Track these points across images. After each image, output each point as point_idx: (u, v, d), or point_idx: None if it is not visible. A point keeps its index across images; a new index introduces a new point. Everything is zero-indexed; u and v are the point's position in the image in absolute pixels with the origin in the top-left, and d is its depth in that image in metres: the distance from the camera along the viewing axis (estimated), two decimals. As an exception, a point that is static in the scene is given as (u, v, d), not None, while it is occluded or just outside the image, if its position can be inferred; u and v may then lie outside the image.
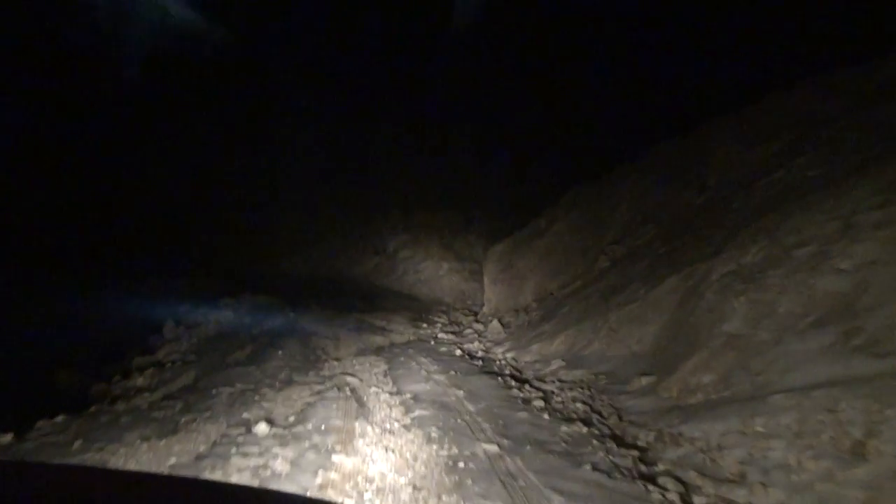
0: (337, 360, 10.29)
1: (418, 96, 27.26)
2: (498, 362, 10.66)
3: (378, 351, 11.22)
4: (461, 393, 7.99)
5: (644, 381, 8.27)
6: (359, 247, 25.07)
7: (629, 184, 15.96)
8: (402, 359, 10.34)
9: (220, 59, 27.78)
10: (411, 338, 13.04)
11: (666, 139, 16.52)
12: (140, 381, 8.68)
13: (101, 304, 15.48)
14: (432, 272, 22.03)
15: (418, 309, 18.13)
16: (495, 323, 14.02)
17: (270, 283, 20.61)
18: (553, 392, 8.43)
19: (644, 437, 6.56)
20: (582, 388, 8.60)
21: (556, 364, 10.07)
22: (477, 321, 16.04)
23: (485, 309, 17.32)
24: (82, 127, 25.41)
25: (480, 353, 11.63)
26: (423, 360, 10.24)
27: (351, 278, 23.25)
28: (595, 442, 6.31)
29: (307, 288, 20.65)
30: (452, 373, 9.22)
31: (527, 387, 8.66)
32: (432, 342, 12.34)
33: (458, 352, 11.43)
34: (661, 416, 7.04)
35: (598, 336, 10.18)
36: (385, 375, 9.12)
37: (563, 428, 6.71)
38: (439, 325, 15.44)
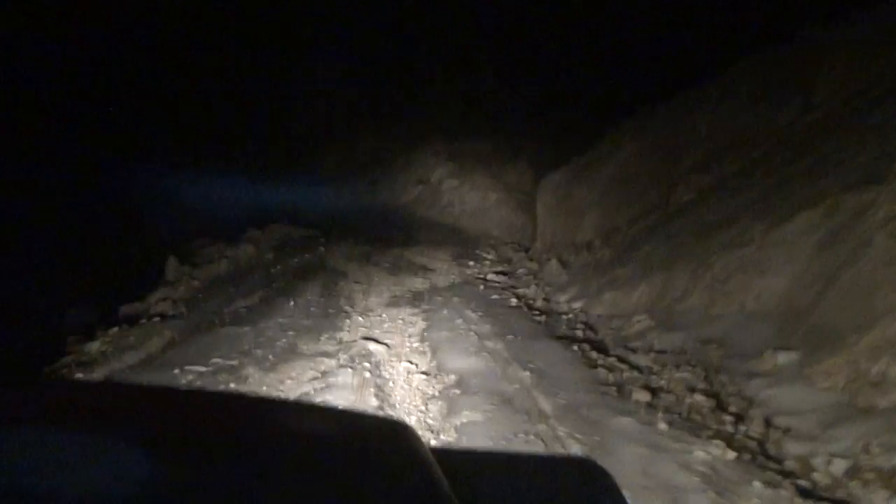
0: (363, 313, 7.73)
1: (461, 16, 23.99)
2: (565, 317, 8.04)
3: (416, 299, 8.65)
4: (527, 375, 5.38)
5: (781, 358, 5.56)
6: (401, 176, 22.36)
7: (708, 104, 12.91)
8: (444, 312, 7.75)
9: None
10: (456, 279, 10.44)
11: (751, 52, 13.36)
12: (96, 347, 6.24)
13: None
14: (478, 203, 19.31)
15: (464, 243, 15.52)
16: (554, 262, 11.33)
17: (306, 213, 18.10)
18: (652, 371, 5.78)
19: (833, 473, 3.87)
20: (690, 364, 5.91)
21: (641, 322, 7.41)
22: (530, 259, 13.37)
23: (537, 244, 14.61)
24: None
25: (540, 303, 8.99)
26: (470, 314, 7.64)
27: (393, 209, 20.64)
28: (759, 486, 3.64)
29: (345, 219, 18.10)
30: (511, 337, 6.61)
31: (613, 361, 6.02)
32: (481, 286, 9.73)
33: (514, 300, 8.82)
34: (835, 426, 4.35)
35: (695, 286, 7.44)
36: (422, 339, 6.56)
37: (698, 453, 4.06)
38: (488, 262, 12.82)
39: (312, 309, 7.66)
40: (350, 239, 14.70)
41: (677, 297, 7.56)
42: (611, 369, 5.64)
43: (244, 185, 21.32)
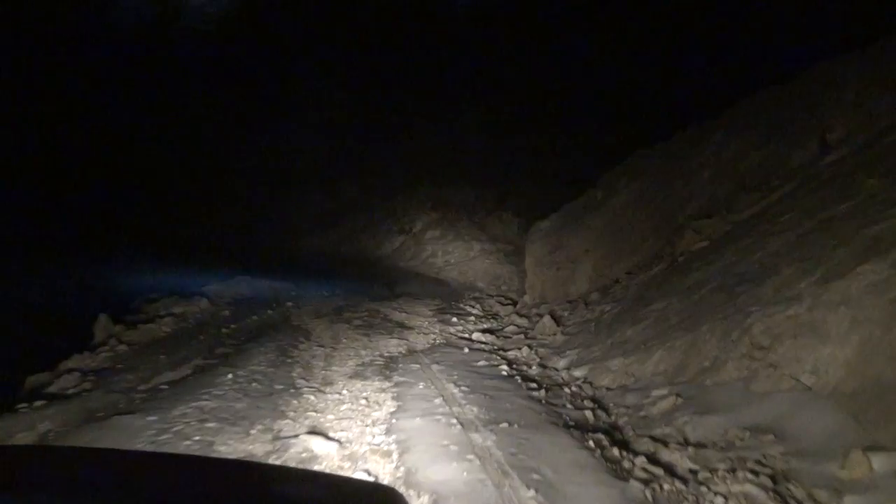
0: (318, 389, 6.01)
1: (444, 65, 22.71)
2: (567, 390, 6.34)
3: (387, 367, 6.93)
4: (532, 498, 3.62)
5: (877, 462, 3.90)
6: (383, 226, 20.77)
7: (710, 145, 11.48)
8: (420, 386, 6.03)
9: (224, 30, 23.53)
10: (437, 339, 8.76)
11: (752, 91, 11.99)
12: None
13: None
14: (462, 254, 17.70)
15: (447, 296, 13.89)
16: (547, 319, 9.66)
17: (279, 264, 16.41)
18: (700, 479, 4.05)
19: None
20: (747, 467, 4.21)
21: (664, 399, 5.74)
22: (519, 314, 11.70)
23: (526, 297, 12.96)
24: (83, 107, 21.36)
25: (535, 369, 7.30)
26: (452, 389, 5.93)
27: (373, 259, 18.99)
28: None
29: (320, 270, 16.42)
30: (504, 425, 4.88)
31: (644, 463, 4.32)
32: (466, 349, 8.04)
33: (504, 367, 7.12)
34: None
35: (729, 354, 5.78)
36: (388, 431, 4.83)
37: None
38: (472, 318, 11.17)
39: (255, 384, 5.91)
40: (324, 292, 13.01)
41: (707, 368, 5.89)
42: (645, 480, 3.93)
43: (215, 234, 19.61)
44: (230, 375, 6.12)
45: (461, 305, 12.57)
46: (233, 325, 8.80)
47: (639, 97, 17.15)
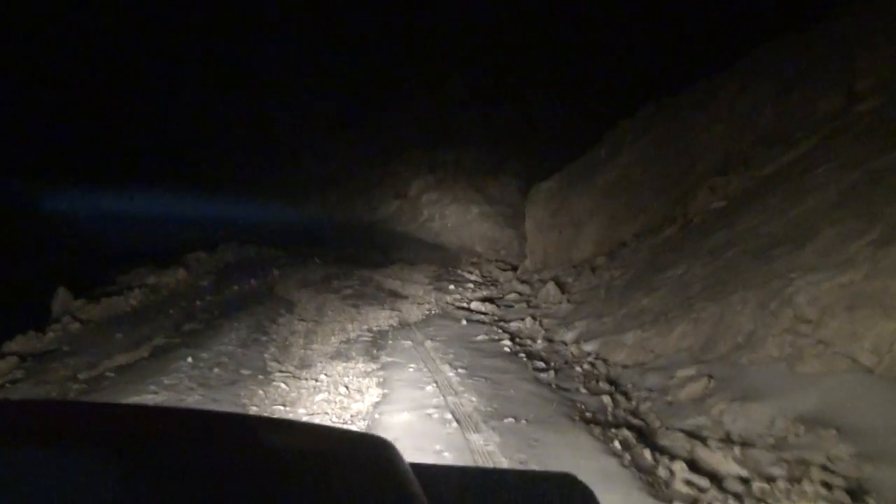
0: (292, 374, 5.10)
1: (438, 25, 21.42)
2: (579, 369, 5.44)
3: (375, 344, 6.03)
4: None
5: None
6: (377, 190, 19.74)
7: (723, 98, 10.42)
8: (411, 368, 5.14)
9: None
10: (433, 310, 7.86)
11: (767, 39, 10.91)
12: None
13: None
14: (460, 217, 16.73)
15: (444, 261, 12.99)
16: (551, 286, 8.76)
17: (269, 231, 15.45)
18: (754, 493, 3.16)
19: None
20: (810, 476, 3.31)
21: (691, 381, 4.86)
22: (520, 279, 10.80)
23: (527, 262, 12.05)
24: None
25: (541, 344, 6.39)
26: (448, 371, 5.04)
27: (368, 224, 18.03)
28: None
29: (314, 236, 15.48)
30: (510, 421, 3.98)
31: (682, 471, 3.41)
32: (463, 320, 7.14)
33: (506, 342, 6.22)
34: None
35: (768, 329, 4.89)
36: (367, 430, 3.89)
37: None
38: (471, 285, 10.27)
39: (217, 370, 5.00)
40: (314, 259, 12.08)
41: (741, 345, 4.98)
42: (692, 501, 3.03)
43: (206, 201, 18.60)
44: (189, 359, 5.20)
45: (459, 271, 11.66)
46: (209, 297, 7.87)
47: (641, 52, 15.98)
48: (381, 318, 7.20)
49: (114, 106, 20.71)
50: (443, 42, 21.32)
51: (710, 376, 4.75)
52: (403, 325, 6.89)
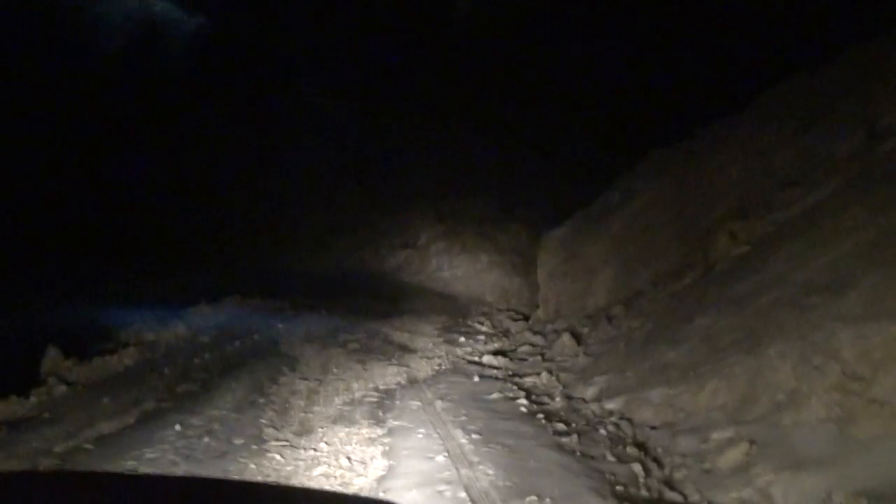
0: (289, 443, 4.62)
1: (445, 73, 21.35)
2: (603, 431, 4.93)
3: (381, 405, 5.55)
4: None
5: None
6: (386, 240, 19.37)
7: (736, 141, 10.07)
8: (420, 434, 4.66)
9: (219, 45, 22.25)
10: (443, 365, 7.38)
11: (777, 81, 10.60)
12: None
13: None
14: (469, 266, 16.31)
15: (454, 311, 12.53)
16: (566, 338, 8.27)
17: (279, 281, 15.07)
18: None
19: None
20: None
21: (730, 446, 4.36)
22: (532, 330, 10.32)
23: (539, 312, 11.57)
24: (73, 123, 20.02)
25: (560, 402, 5.89)
26: (460, 437, 4.55)
27: (376, 275, 17.61)
28: None
29: (322, 287, 15.06)
30: (533, 498, 3.49)
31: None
32: (475, 376, 6.65)
33: (522, 400, 5.73)
34: None
35: (813, 386, 4.40)
36: None
37: None
38: (482, 336, 9.78)
39: (207, 439, 4.52)
40: (321, 311, 11.64)
41: (782, 404, 4.48)
42: None
43: (207, 254, 18.24)
44: (178, 426, 4.72)
45: (469, 322, 11.19)
46: (207, 355, 7.41)
47: (650, 97, 15.74)
48: (389, 374, 6.72)
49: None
50: (451, 91, 21.25)
51: (752, 441, 4.23)
52: (412, 383, 6.41)
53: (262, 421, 4.97)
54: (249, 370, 6.62)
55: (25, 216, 17.75)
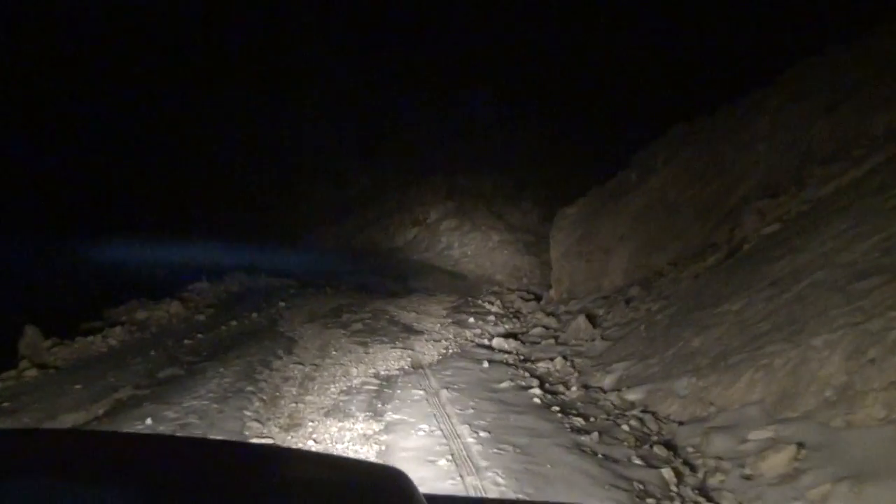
0: (275, 437, 4.10)
1: (456, 49, 20.60)
2: (625, 427, 4.36)
3: (380, 395, 5.00)
4: None
5: None
6: (395, 217, 18.80)
7: (764, 115, 9.39)
8: (421, 432, 4.09)
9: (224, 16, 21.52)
10: (450, 348, 6.83)
11: (806, 55, 9.86)
12: None
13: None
14: (480, 245, 15.71)
15: (463, 290, 11.99)
16: (581, 320, 7.69)
17: (285, 259, 14.56)
18: None
19: None
20: None
21: (773, 449, 3.80)
22: (544, 311, 9.75)
23: (552, 292, 11.00)
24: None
25: (576, 392, 5.33)
26: (466, 435, 4.00)
27: (385, 253, 17.07)
28: None
29: (328, 265, 14.55)
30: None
31: None
32: (485, 361, 6.08)
33: (536, 390, 5.15)
34: None
35: (869, 382, 3.82)
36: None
37: None
38: (492, 317, 9.23)
39: (179, 434, 4.01)
40: (326, 289, 11.12)
41: (832, 401, 3.89)
42: None
43: (216, 230, 17.70)
44: (149, 420, 4.19)
45: (479, 302, 10.63)
46: (201, 335, 6.89)
47: (670, 72, 14.95)
48: (392, 358, 6.17)
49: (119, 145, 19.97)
50: (463, 66, 20.51)
51: (800, 444, 3.65)
52: (416, 368, 5.86)
53: (247, 413, 4.43)
54: (242, 352, 6.08)
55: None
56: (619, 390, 5.31)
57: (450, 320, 8.63)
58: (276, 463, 1.18)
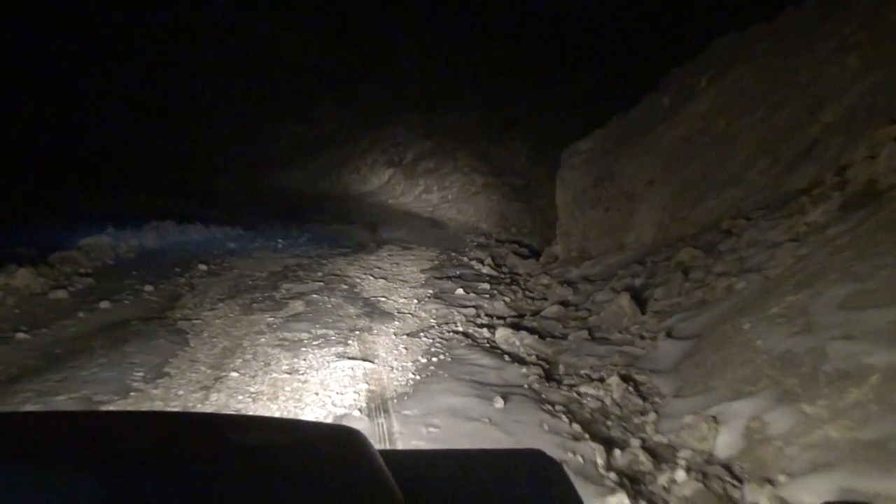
0: None
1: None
2: None
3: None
4: None
5: None
6: (369, 157, 15.67)
7: (851, 15, 6.45)
8: None
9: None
10: (433, 349, 4.05)
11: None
12: None
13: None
14: (462, 189, 12.80)
15: (444, 243, 9.20)
16: (624, 302, 4.85)
17: (236, 205, 11.53)
18: None
19: None
20: None
21: None
22: (550, 274, 6.93)
23: (556, 248, 8.19)
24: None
25: (681, 473, 2.45)
26: None
27: (356, 196, 14.10)
28: None
29: (287, 212, 11.54)
30: None
31: None
32: (496, 395, 3.22)
33: (612, 474, 2.27)
34: None
35: None
36: None
37: None
38: (485, 284, 6.45)
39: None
40: (277, 241, 8.20)
41: None
42: None
43: (166, 172, 14.48)
44: None
45: (464, 259, 7.81)
46: (24, 334, 3.96)
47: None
48: (334, 383, 3.33)
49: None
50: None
51: None
52: (373, 411, 3.01)
53: None
54: (69, 378, 3.17)
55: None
56: (767, 483, 2.51)
57: (430, 291, 5.79)
58: (229, 430, 1.08)
